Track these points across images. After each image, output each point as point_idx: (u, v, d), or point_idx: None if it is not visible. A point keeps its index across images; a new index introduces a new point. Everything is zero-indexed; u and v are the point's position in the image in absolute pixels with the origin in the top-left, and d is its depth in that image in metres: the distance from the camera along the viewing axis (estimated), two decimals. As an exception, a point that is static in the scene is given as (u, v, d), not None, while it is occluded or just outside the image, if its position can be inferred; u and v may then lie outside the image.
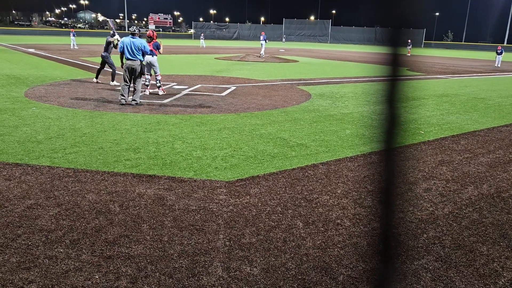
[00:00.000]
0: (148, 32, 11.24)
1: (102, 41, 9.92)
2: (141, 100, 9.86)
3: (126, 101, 9.44)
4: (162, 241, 3.53)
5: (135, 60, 9.28)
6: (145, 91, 11.14)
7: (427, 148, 6.78)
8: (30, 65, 18.21)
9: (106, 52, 12.49)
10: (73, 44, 33.94)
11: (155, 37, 11.15)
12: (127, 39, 9.32)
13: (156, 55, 10.94)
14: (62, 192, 4.49)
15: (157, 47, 11.00)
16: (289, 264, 3.25)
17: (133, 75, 9.39)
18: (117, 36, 12.22)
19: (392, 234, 0.86)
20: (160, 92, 11.10)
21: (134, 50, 9.21)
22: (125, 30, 72.68)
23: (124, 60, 9.49)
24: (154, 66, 10.87)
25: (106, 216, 3.96)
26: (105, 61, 12.63)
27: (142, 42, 9.34)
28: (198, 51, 35.95)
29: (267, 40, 31.26)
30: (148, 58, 10.55)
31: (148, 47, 9.44)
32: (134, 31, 9.42)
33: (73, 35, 34.60)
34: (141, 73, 9.47)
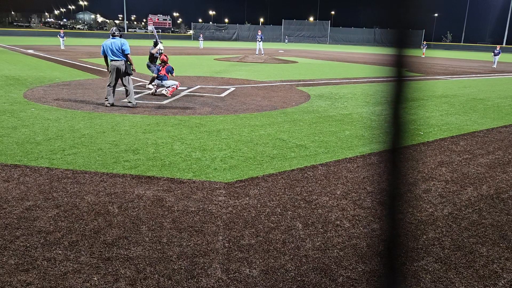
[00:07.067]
0: (161, 57, 11.26)
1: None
2: (137, 101, 9.85)
3: (110, 104, 9.36)
4: (161, 242, 3.52)
5: (118, 60, 9.24)
6: (152, 89, 11.37)
7: (426, 149, 6.77)
8: (29, 66, 18.19)
9: (149, 62, 12.44)
10: (62, 45, 33.96)
11: (167, 61, 11.21)
12: (108, 42, 9.31)
13: (168, 79, 11.02)
14: (61, 193, 4.47)
15: (170, 71, 10.96)
16: (289, 266, 3.25)
17: (119, 75, 9.32)
18: (160, 46, 12.08)
19: (391, 235, 0.86)
20: (164, 91, 11.01)
21: (115, 50, 9.20)
22: (124, 31, 72.64)
23: (108, 62, 9.39)
24: (168, 86, 11.01)
25: (105, 217, 3.95)
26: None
27: (122, 41, 9.29)
28: (197, 52, 35.94)
29: (257, 37, 32.14)
30: (159, 82, 10.98)
31: (128, 47, 9.32)
32: (114, 32, 9.41)
33: (62, 36, 34.52)
34: (128, 73, 9.35)
